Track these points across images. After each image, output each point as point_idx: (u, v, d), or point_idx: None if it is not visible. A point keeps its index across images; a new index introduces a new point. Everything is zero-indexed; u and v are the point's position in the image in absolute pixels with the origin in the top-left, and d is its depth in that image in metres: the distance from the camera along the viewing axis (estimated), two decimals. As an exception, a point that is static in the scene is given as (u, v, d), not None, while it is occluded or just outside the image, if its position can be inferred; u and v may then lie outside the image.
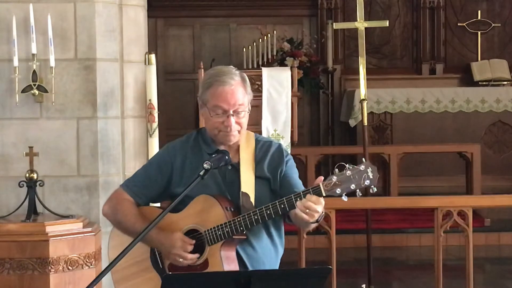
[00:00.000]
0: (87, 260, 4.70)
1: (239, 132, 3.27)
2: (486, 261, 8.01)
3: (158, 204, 3.57)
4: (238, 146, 3.33)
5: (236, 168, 3.29)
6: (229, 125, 3.21)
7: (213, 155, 3.20)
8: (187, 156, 3.33)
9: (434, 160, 10.05)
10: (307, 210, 3.02)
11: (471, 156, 9.29)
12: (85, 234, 4.73)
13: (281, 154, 3.35)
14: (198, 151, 3.33)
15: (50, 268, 4.57)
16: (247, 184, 3.25)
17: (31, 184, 4.80)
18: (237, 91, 3.22)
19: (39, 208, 4.85)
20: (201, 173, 3.11)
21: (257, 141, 3.37)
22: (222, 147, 3.30)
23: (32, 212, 4.78)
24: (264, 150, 3.35)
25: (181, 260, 3.21)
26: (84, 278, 4.63)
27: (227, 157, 3.21)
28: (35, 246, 4.57)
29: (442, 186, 9.56)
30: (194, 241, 3.22)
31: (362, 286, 6.11)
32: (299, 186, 3.28)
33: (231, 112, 3.20)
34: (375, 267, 6.47)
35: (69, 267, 4.63)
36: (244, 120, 3.27)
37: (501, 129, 10.46)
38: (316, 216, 3.05)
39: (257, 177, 3.29)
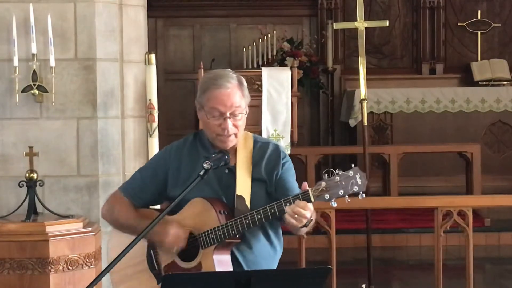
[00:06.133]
0: (87, 260, 4.70)
1: (236, 136, 3.25)
2: (486, 261, 8.00)
3: (158, 206, 3.56)
4: (236, 149, 3.31)
5: (233, 171, 3.27)
6: (226, 128, 3.20)
7: (213, 155, 3.19)
8: (183, 159, 3.32)
9: (434, 160, 10.04)
10: (296, 216, 3.01)
11: (471, 156, 9.27)
12: (85, 234, 4.73)
13: (277, 156, 3.32)
14: (195, 154, 3.32)
15: (50, 268, 4.57)
16: (243, 187, 3.23)
17: (31, 184, 4.80)
18: (234, 93, 3.21)
19: (39, 208, 4.85)
20: (201, 173, 3.11)
21: (255, 142, 3.36)
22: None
23: (32, 212, 4.78)
24: (262, 151, 3.33)
25: (176, 244, 3.20)
26: (84, 278, 4.63)
27: (226, 157, 3.20)
28: (35, 246, 4.57)
29: (442, 186, 9.55)
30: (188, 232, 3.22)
31: (362, 286, 6.11)
32: (294, 190, 3.25)
33: (228, 114, 3.20)
34: (375, 267, 6.47)
35: (69, 267, 4.63)
36: (241, 123, 3.26)
37: (501, 129, 10.45)
38: (305, 221, 3.03)
39: (254, 179, 3.27)
